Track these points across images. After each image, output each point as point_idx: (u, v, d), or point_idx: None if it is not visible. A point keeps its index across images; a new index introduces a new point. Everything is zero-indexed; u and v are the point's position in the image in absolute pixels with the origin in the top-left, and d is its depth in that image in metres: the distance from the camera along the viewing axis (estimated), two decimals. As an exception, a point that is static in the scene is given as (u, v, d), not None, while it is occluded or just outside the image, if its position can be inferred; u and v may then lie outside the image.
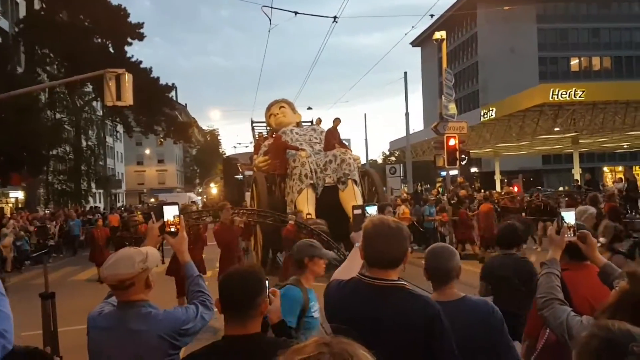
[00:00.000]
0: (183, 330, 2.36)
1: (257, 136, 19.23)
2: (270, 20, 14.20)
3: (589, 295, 2.56)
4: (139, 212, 31.07)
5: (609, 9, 57.64)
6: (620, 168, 56.95)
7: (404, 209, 14.42)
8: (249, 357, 1.97)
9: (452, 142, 14.59)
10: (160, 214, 2.71)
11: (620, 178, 21.25)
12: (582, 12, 57.79)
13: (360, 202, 12.71)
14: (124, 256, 2.38)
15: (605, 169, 56.98)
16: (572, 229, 2.64)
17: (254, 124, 20.97)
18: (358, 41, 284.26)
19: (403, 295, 2.14)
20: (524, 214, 15.84)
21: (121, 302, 2.40)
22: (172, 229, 2.68)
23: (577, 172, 30.55)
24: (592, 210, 4.95)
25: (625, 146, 39.79)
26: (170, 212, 2.70)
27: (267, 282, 2.18)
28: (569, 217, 2.67)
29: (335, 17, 13.44)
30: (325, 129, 15.10)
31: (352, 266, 2.49)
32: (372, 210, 2.83)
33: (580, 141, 30.75)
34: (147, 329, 2.31)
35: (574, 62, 58.61)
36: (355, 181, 13.26)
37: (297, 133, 15.05)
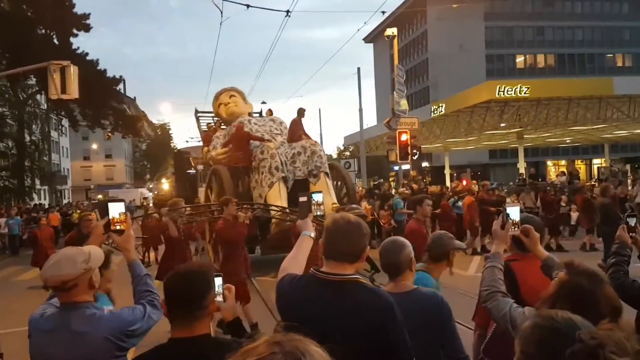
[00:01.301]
0: (130, 332, 2.30)
1: (206, 127, 18.52)
2: (221, 12, 13.93)
3: (537, 285, 2.65)
4: (77, 212, 30.11)
5: (552, 7, 59.57)
6: (563, 162, 59.22)
7: (365, 205, 14.45)
8: (198, 359, 1.92)
9: (404, 137, 14.82)
10: (104, 212, 2.62)
11: (563, 172, 22.11)
12: (527, 10, 59.49)
13: (334, 196, 12.33)
14: (66, 256, 2.30)
15: (549, 163, 59.04)
16: (516, 225, 2.73)
17: (198, 115, 19.63)
18: (312, 35, 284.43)
19: (357, 289, 2.15)
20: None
21: (64, 304, 2.32)
22: (118, 227, 2.60)
23: (522, 167, 31.54)
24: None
25: (567, 141, 41.34)
26: (115, 210, 2.61)
27: (219, 279, 2.14)
28: (514, 212, 2.76)
29: (287, 12, 13.39)
30: (283, 120, 14.63)
31: (298, 256, 2.48)
32: (318, 197, 2.81)
33: (525, 136, 31.74)
34: (91, 330, 2.24)
35: (520, 59, 60.37)
36: (327, 174, 12.72)
37: (255, 123, 14.23)
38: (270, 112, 15.99)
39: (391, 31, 16.12)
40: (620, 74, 53.48)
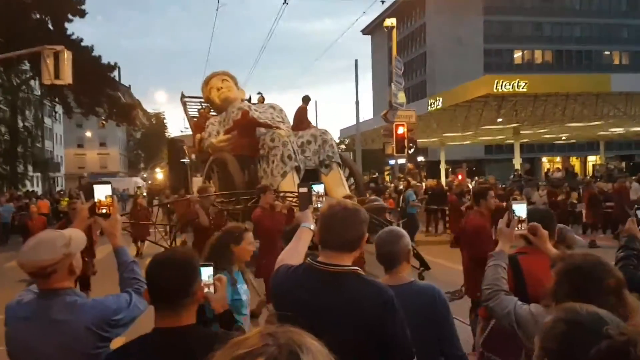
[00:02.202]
0: (114, 321, 2.17)
1: (197, 112, 17.37)
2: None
3: (545, 278, 2.57)
4: (65, 199, 29.70)
5: (551, 3, 59.45)
6: (558, 159, 59.29)
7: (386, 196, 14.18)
8: (183, 351, 1.79)
9: (401, 130, 14.70)
10: (90, 194, 2.48)
11: (558, 168, 22.09)
12: (527, 5, 59.36)
13: (347, 187, 11.61)
14: (44, 240, 2.16)
15: (544, 159, 59.09)
16: (522, 222, 2.66)
17: (185, 100, 18.27)
18: (308, 27, 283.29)
19: (356, 281, 2.06)
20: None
21: (43, 291, 2.18)
22: (104, 211, 2.46)
23: (517, 163, 31.46)
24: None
25: (563, 137, 41.30)
26: (101, 192, 2.46)
27: (209, 269, 2.05)
28: (520, 210, 2.67)
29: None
30: (283, 108, 13.99)
31: (298, 247, 2.38)
32: (319, 188, 2.67)
33: (521, 132, 31.66)
34: (72, 319, 2.10)
35: (517, 54, 60.27)
36: (339, 164, 11.99)
37: (255, 110, 13.48)
38: (262, 98, 15.38)
39: (390, 22, 15.99)
40: (618, 71, 53.33)
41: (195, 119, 16.89)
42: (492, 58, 58.19)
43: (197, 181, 24.27)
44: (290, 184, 10.95)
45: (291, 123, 13.58)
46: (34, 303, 2.18)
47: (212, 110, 15.36)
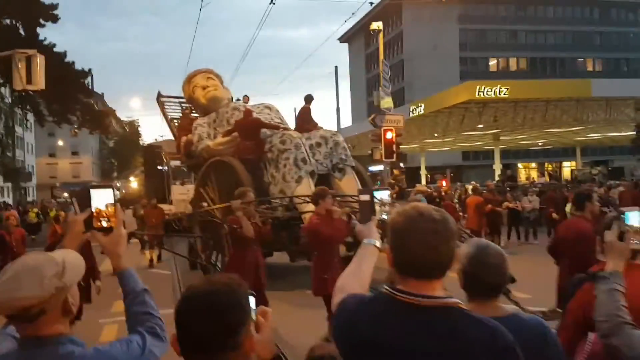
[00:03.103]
0: None
1: (181, 112, 15.93)
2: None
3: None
4: (52, 210, 28.56)
5: (525, 11, 60.39)
6: (533, 165, 59.98)
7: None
8: None
9: (389, 135, 14.40)
10: (85, 202, 1.91)
11: (542, 173, 22.07)
12: (501, 13, 60.19)
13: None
14: (29, 268, 1.55)
15: (520, 165, 59.69)
16: (638, 234, 2.17)
17: (163, 99, 16.36)
18: (285, 35, 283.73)
19: (460, 318, 1.53)
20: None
21: (26, 339, 1.58)
22: (104, 223, 1.90)
23: (498, 169, 31.54)
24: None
25: (539, 144, 41.71)
26: (101, 199, 1.91)
27: (252, 300, 1.43)
28: (635, 217, 2.16)
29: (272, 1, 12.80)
30: (278, 109, 13.06)
31: (361, 271, 1.86)
32: (383, 195, 2.23)
33: (500, 138, 31.79)
34: None
35: (493, 62, 60.95)
36: (353, 168, 10.97)
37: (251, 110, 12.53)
38: (246, 98, 14.34)
39: (377, 25, 15.69)
40: (592, 77, 54.39)
41: (175, 121, 15.68)
42: (467, 66, 58.74)
43: (176, 189, 23.70)
44: (307, 189, 10.04)
45: (288, 125, 12.76)
46: (13, 357, 1.59)
47: (193, 110, 14.33)
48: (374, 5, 21.81)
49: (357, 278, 1.82)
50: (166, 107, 16.24)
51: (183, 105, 15.54)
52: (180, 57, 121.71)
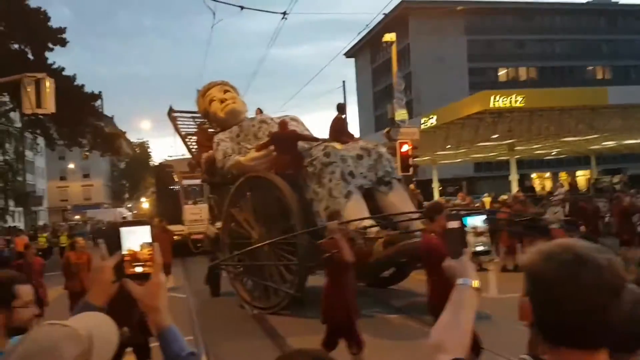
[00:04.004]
0: None
1: (195, 127, 15.13)
2: (214, 14, 13.02)
3: None
4: (63, 234, 28.25)
5: (532, 21, 60.22)
6: (547, 174, 59.24)
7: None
8: None
9: (405, 148, 14.03)
10: (116, 243, 1.48)
11: (562, 183, 21.62)
12: (508, 24, 60.06)
13: (413, 210, 9.75)
14: (41, 349, 1.13)
15: (533, 175, 58.99)
16: None
17: (175, 114, 15.46)
18: (287, 53, 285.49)
19: None
20: None
21: None
22: (139, 269, 1.48)
23: (514, 179, 30.97)
24: None
25: (553, 153, 41.13)
26: (134, 238, 1.49)
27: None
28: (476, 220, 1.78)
29: (284, 13, 12.53)
30: (300, 120, 12.33)
31: (459, 323, 1.45)
32: (476, 221, 1.71)
33: (515, 148, 31.30)
34: None
35: (502, 72, 60.67)
36: (400, 181, 10.16)
37: (277, 122, 11.73)
38: (259, 111, 13.61)
39: (389, 37, 15.42)
40: (601, 86, 53.92)
41: (190, 137, 14.87)
42: (476, 76, 58.47)
43: (188, 209, 23.36)
44: (359, 206, 9.21)
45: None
46: None
47: (207, 124, 13.65)
48: (381, 18, 21.60)
49: (456, 332, 1.41)
50: (179, 122, 15.47)
51: (197, 120, 14.89)
52: (186, 78, 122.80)
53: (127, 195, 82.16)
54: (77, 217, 57.02)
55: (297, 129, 11.37)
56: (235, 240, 10.90)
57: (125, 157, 73.92)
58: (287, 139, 10.33)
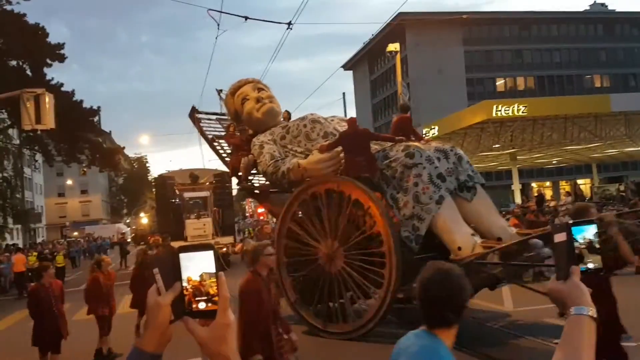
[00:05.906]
0: None
1: (223, 129, 13.64)
2: (218, 24, 12.73)
3: None
4: (60, 253, 27.64)
5: (529, 30, 60.38)
6: (547, 183, 59.04)
7: None
8: None
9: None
10: (174, 273, 1.11)
11: (568, 192, 21.38)
12: (505, 34, 60.22)
13: (501, 218, 8.93)
14: None
15: (534, 184, 58.81)
16: None
17: (199, 115, 13.85)
18: (284, 67, 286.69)
19: None
20: None
21: None
22: (202, 304, 1.10)
23: (517, 189, 30.76)
24: None
25: (554, 162, 40.95)
26: (195, 267, 1.11)
27: None
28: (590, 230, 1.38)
29: (289, 23, 12.32)
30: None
31: (581, 355, 1.20)
32: (588, 233, 1.32)
33: (517, 157, 31.14)
34: None
35: (500, 82, 60.73)
36: (483, 185, 9.01)
37: (330, 121, 10.59)
38: (286, 113, 12.18)
39: (394, 46, 15.27)
40: (601, 94, 54.02)
41: (221, 140, 13.42)
42: (474, 87, 58.53)
43: (191, 223, 22.60)
44: (453, 213, 8.19)
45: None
46: None
47: (235, 128, 12.30)
48: (377, 31, 21.52)
49: None
50: (203, 123, 13.92)
51: (222, 122, 13.61)
52: (182, 94, 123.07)
53: (125, 211, 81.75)
54: (75, 233, 56.58)
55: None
56: (294, 258, 9.64)
57: (123, 172, 73.68)
58: (359, 139, 9.11)
